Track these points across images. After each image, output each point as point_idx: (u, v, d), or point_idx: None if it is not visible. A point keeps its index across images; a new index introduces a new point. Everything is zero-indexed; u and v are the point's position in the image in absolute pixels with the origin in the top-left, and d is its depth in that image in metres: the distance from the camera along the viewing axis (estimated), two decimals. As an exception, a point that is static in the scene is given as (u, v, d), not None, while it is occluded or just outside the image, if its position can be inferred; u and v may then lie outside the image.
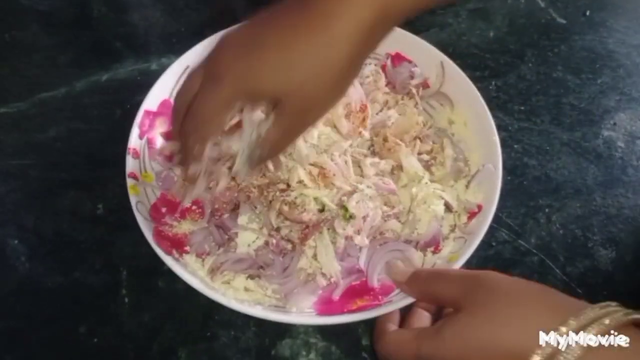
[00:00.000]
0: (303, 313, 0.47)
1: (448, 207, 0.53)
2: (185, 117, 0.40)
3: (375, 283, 0.49)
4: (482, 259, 0.54)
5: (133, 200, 0.49)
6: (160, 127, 0.55)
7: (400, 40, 0.60)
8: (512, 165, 0.59)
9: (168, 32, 0.70)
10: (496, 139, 0.53)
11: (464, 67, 0.58)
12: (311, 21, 0.37)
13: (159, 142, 0.55)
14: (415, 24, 0.70)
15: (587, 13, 0.75)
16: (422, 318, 0.47)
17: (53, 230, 0.55)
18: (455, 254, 0.49)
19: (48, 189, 0.58)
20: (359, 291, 0.49)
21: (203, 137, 0.40)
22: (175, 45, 0.68)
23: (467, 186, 0.54)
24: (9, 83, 0.65)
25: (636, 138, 0.63)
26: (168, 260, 0.46)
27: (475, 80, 0.57)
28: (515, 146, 0.61)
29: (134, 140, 0.52)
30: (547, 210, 0.58)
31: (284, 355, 0.50)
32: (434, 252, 0.51)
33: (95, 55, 0.68)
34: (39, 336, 0.50)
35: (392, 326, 0.45)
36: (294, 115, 0.39)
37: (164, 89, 0.56)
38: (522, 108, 0.65)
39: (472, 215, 0.52)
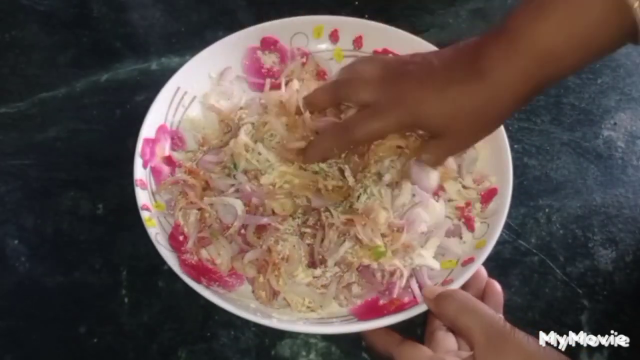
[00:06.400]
0: (344, 321, 0.46)
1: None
2: (343, 123, 0.47)
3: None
4: (482, 259, 0.54)
5: (152, 232, 0.47)
6: (161, 153, 0.54)
7: (385, 36, 0.59)
8: (512, 165, 0.59)
9: (168, 32, 0.70)
10: None
11: (464, 67, 0.57)
12: (479, 67, 0.41)
13: (164, 170, 0.53)
14: (415, 24, 0.70)
15: (587, 13, 0.74)
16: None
17: (53, 230, 0.55)
18: (482, 240, 0.49)
19: (48, 189, 0.58)
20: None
21: (350, 145, 0.48)
22: (175, 45, 0.68)
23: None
24: (8, 83, 0.65)
25: (636, 138, 0.63)
26: (206, 293, 0.44)
27: (475, 80, 0.57)
28: (515, 146, 0.61)
29: (139, 171, 0.51)
30: (547, 210, 0.58)
31: (284, 356, 0.50)
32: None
33: (95, 55, 0.67)
34: (39, 336, 0.50)
35: (439, 324, 0.45)
36: (449, 145, 0.46)
37: (158, 114, 0.54)
38: (522, 108, 0.65)
39: (487, 198, 0.52)
